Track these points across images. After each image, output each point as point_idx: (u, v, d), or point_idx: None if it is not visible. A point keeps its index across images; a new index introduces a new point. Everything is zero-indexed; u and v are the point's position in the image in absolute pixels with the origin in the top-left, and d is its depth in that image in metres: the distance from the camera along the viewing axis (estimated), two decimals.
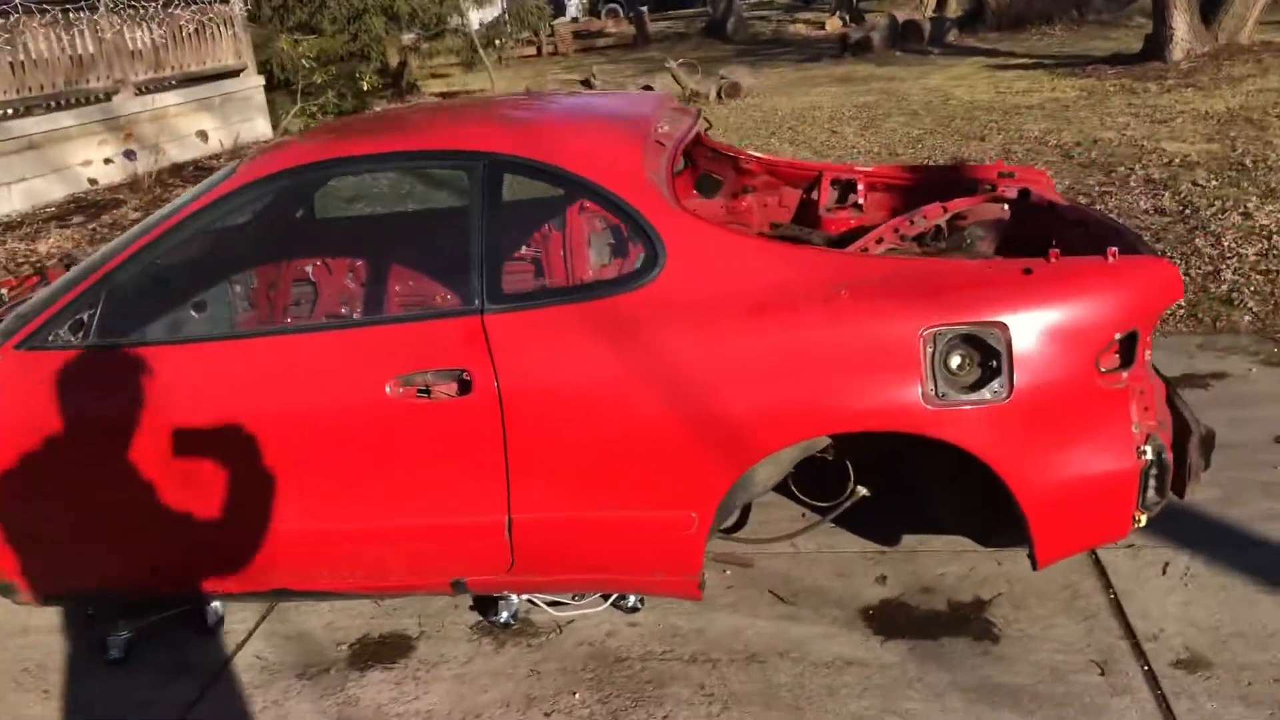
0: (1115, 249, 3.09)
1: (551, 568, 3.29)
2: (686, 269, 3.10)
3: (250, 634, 3.62)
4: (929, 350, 2.98)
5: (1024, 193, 4.30)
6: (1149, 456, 3.07)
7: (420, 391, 3.08)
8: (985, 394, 2.99)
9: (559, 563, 3.27)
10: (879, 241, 3.79)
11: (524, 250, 3.40)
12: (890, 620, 3.42)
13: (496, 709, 3.18)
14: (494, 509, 3.17)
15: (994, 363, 2.99)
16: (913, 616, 3.44)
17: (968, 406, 2.99)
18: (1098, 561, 3.62)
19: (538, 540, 3.20)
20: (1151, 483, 3.10)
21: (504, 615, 3.53)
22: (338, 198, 3.60)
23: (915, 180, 4.49)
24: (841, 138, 10.68)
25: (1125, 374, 3.04)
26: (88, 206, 10.62)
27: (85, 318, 3.29)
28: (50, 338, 3.27)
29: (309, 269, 3.71)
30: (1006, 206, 4.15)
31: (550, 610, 3.55)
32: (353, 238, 3.76)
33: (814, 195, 4.56)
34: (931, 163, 8.18)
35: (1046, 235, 3.95)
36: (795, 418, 3.05)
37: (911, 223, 3.92)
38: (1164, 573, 3.54)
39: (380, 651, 3.48)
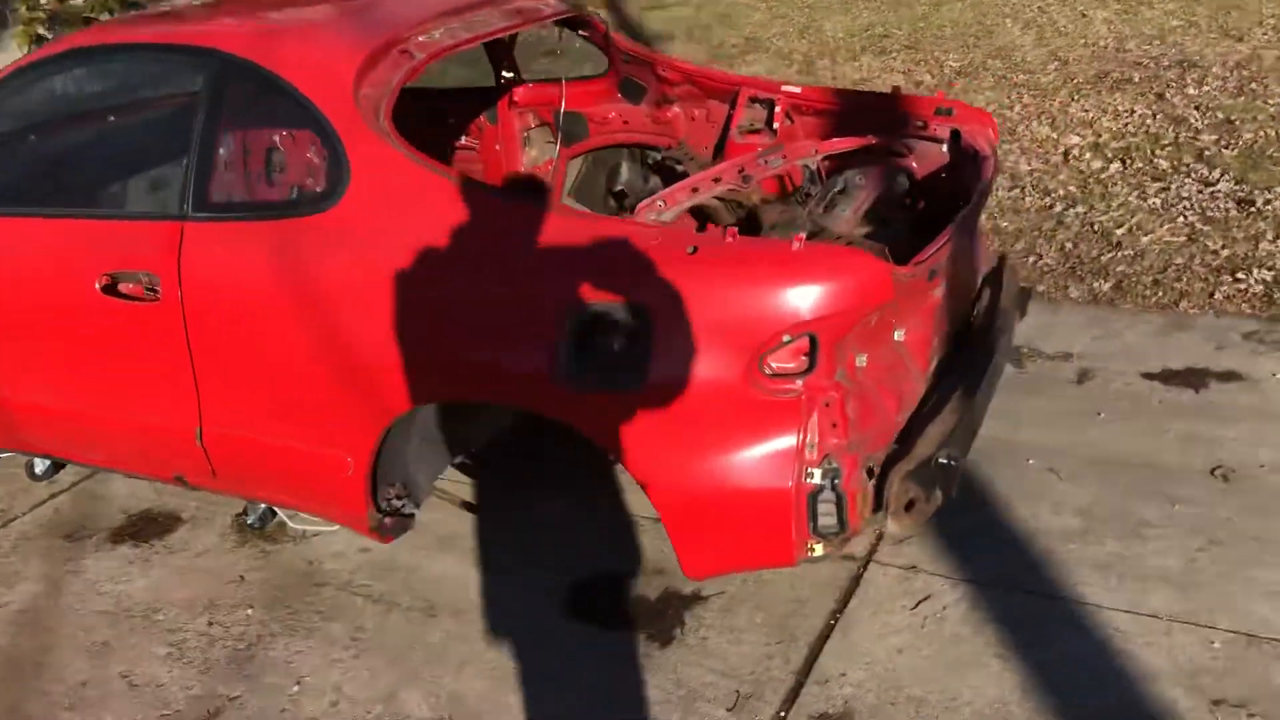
0: (802, 235, 2.59)
1: (244, 483, 3.30)
2: (367, 200, 2.91)
3: (68, 489, 3.91)
4: (565, 325, 2.66)
5: (954, 135, 3.69)
6: (816, 481, 2.61)
7: (119, 291, 3.12)
8: (617, 380, 2.64)
9: (249, 479, 3.28)
10: (716, 181, 3.39)
11: (239, 159, 3.29)
12: (592, 599, 3.19)
13: (178, 608, 3.28)
14: (186, 417, 3.20)
15: (632, 347, 2.63)
16: (619, 598, 3.18)
17: (597, 392, 2.66)
18: (858, 578, 3.18)
19: (227, 453, 3.21)
20: (824, 510, 2.64)
21: (251, 517, 3.60)
22: (100, 90, 3.61)
23: (843, 106, 3.93)
24: (1089, 23, 8.98)
25: (801, 382, 2.58)
26: None
27: None
28: None
29: (57, 152, 3.78)
30: (914, 155, 3.58)
31: (293, 523, 3.57)
32: (97, 127, 3.79)
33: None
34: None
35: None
36: (429, 378, 2.85)
37: (765, 162, 3.47)
38: (914, 607, 3.05)
39: (145, 528, 3.67)
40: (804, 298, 2.54)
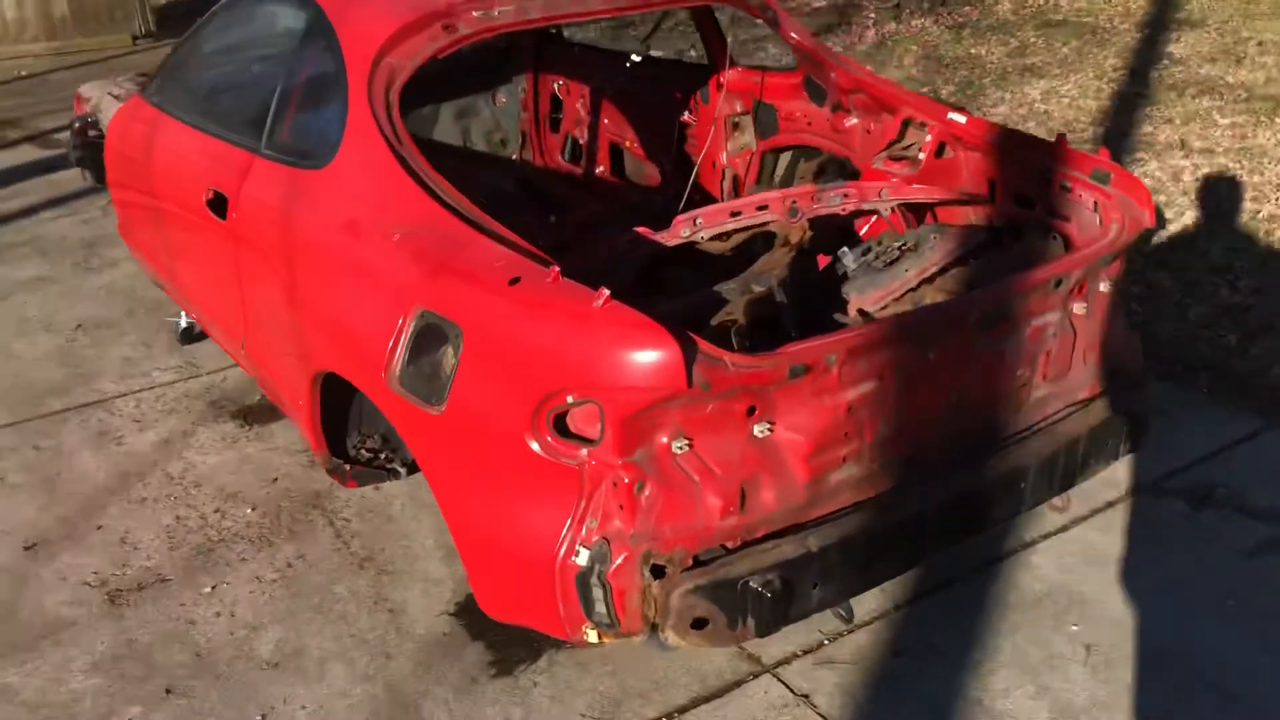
0: (608, 292, 2.28)
1: (271, 395, 3.65)
2: (345, 167, 3.03)
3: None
4: (409, 327, 2.61)
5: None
6: (583, 563, 2.35)
7: (213, 205, 3.52)
8: (426, 394, 2.55)
9: (271, 394, 3.63)
10: (760, 209, 3.11)
11: (299, 103, 3.45)
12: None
13: (212, 488, 3.72)
14: (237, 329, 3.58)
15: (442, 366, 2.52)
16: None
17: (411, 400, 2.59)
18: (739, 683, 2.79)
19: (257, 367, 3.56)
20: (596, 596, 2.37)
21: None
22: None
23: (1002, 146, 3.31)
24: None
25: (586, 452, 2.32)
26: None
27: (157, 83, 4.29)
28: (147, 92, 4.33)
29: (217, 78, 4.17)
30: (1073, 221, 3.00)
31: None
32: (240, 61, 4.11)
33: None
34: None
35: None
36: (323, 346, 2.96)
37: (820, 198, 3.10)
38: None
39: (260, 415, 4.16)
40: (586, 360, 2.27)
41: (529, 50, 5.28)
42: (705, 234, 3.14)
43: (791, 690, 2.77)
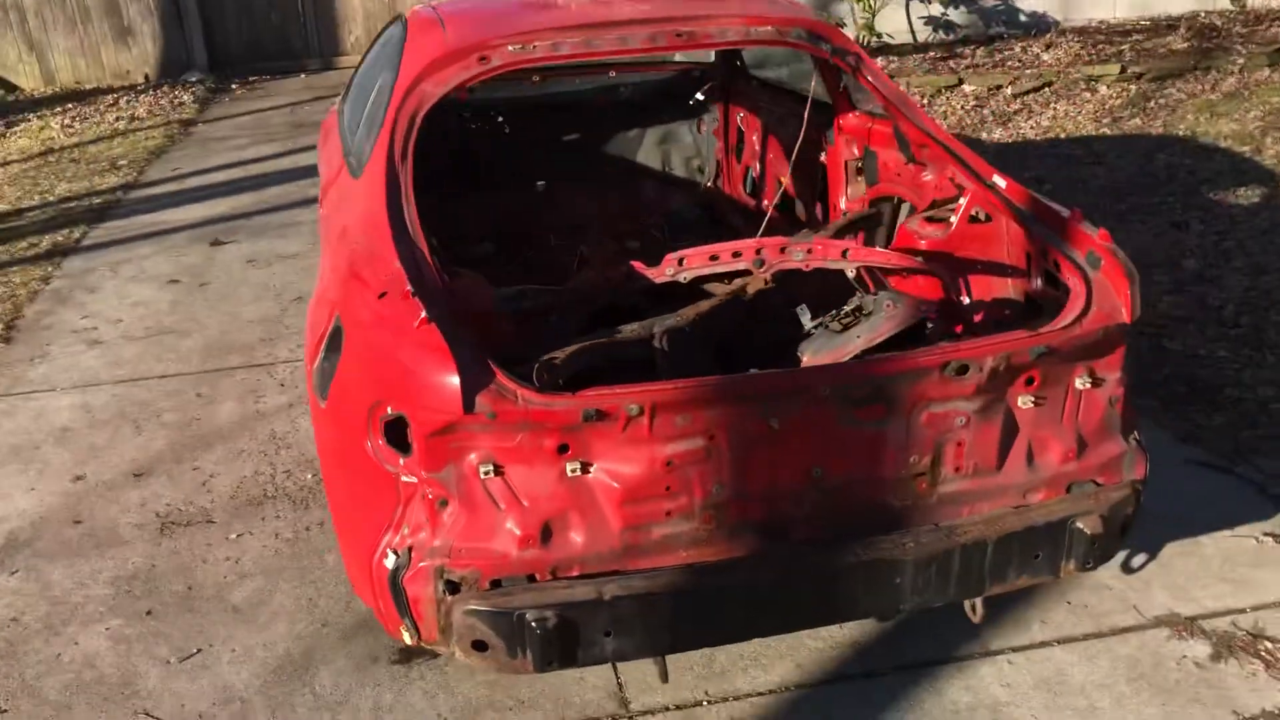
0: (424, 314, 2.41)
1: None
2: (365, 181, 3.33)
3: None
4: (329, 328, 2.88)
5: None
6: (389, 565, 2.52)
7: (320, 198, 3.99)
8: (320, 388, 2.81)
9: None
10: (735, 255, 3.14)
11: (367, 119, 3.76)
12: None
13: None
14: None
15: (335, 365, 2.76)
16: None
17: (315, 393, 2.86)
18: None
19: None
20: (402, 600, 2.53)
21: None
22: None
23: (1021, 213, 3.06)
24: None
25: (402, 460, 2.49)
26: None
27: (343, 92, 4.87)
28: (339, 100, 4.93)
29: (359, 88, 4.50)
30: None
31: None
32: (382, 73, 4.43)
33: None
34: None
35: None
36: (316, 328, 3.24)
37: (784, 251, 3.06)
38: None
39: None
40: (397, 375, 2.43)
41: (720, 83, 5.38)
42: (686, 275, 3.15)
43: None
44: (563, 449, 2.41)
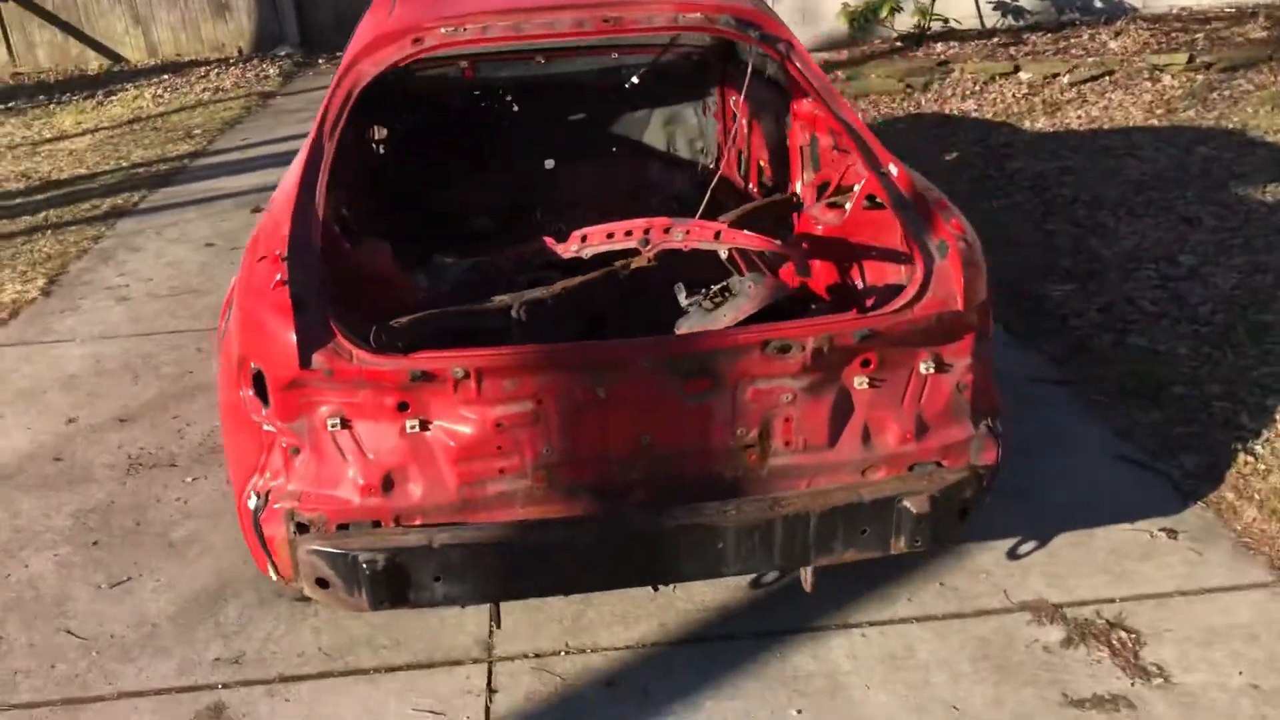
0: (281, 278, 2.63)
1: None
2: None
3: None
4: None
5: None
6: (251, 506, 2.76)
7: None
8: (218, 343, 3.06)
9: None
10: (628, 234, 3.31)
11: None
12: None
13: None
14: None
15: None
16: None
17: (218, 346, 3.11)
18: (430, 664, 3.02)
19: None
20: (264, 539, 2.77)
21: None
22: None
23: (909, 205, 3.14)
24: None
25: (264, 411, 2.72)
26: None
27: None
28: None
29: None
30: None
31: None
32: None
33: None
34: None
35: None
36: None
37: (668, 232, 3.21)
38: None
39: None
40: (254, 331, 2.66)
41: (716, 66, 5.49)
42: (588, 251, 3.32)
43: (488, 683, 2.93)
44: (403, 407, 2.61)
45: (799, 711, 2.80)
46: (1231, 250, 5.35)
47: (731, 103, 5.41)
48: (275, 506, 2.69)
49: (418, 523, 2.69)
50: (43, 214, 7.36)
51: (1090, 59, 9.29)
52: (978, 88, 8.90)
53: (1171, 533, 3.40)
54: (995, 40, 10.03)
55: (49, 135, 9.97)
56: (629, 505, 2.72)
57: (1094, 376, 4.33)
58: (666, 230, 3.16)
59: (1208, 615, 3.06)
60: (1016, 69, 9.14)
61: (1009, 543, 3.40)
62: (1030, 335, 4.72)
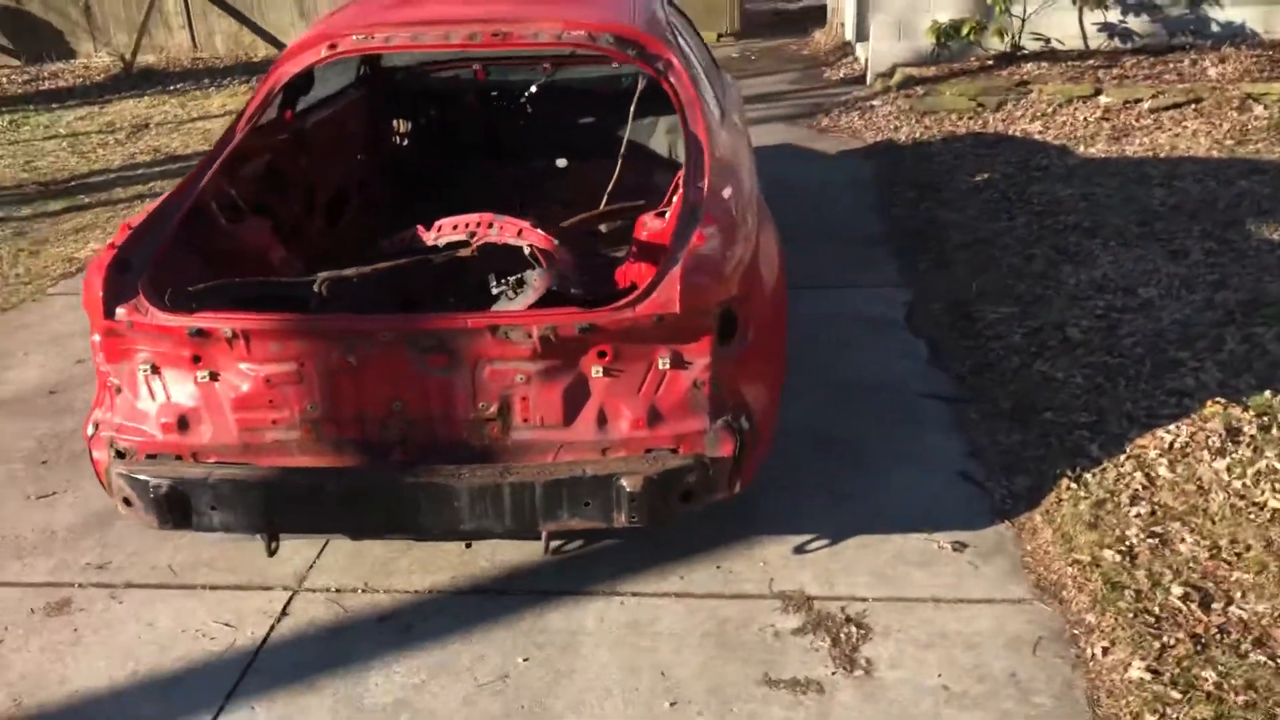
0: (112, 242, 3.15)
1: None
2: None
3: None
4: None
5: None
6: (89, 433, 3.28)
7: None
8: None
9: None
10: (459, 227, 3.74)
11: None
12: None
13: None
14: None
15: None
16: None
17: None
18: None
19: None
20: (93, 461, 3.29)
21: None
22: None
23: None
24: None
25: (100, 355, 3.25)
26: None
27: None
28: None
29: None
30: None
31: None
32: None
33: None
34: None
35: None
36: None
37: (490, 227, 3.63)
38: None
39: None
40: (85, 286, 3.18)
41: None
42: (441, 240, 3.74)
43: (283, 608, 3.38)
44: (196, 359, 3.09)
45: (524, 660, 3.14)
46: (1198, 285, 5.27)
47: None
48: (101, 435, 3.21)
49: (211, 460, 3.16)
50: (150, 184, 8.28)
51: (1181, 85, 9.00)
52: (1050, 110, 8.78)
53: (960, 545, 3.54)
54: (1090, 62, 9.81)
55: (195, 114, 11.06)
56: (385, 462, 3.11)
57: (983, 397, 4.44)
58: (490, 226, 3.54)
59: (946, 622, 3.21)
60: (1097, 92, 8.96)
61: (806, 538, 3.61)
62: (948, 353, 4.84)
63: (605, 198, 4.30)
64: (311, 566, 3.56)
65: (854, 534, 3.63)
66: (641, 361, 3.06)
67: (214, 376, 3.10)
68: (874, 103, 9.59)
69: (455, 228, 3.68)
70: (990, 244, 6.00)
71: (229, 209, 3.81)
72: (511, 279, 3.38)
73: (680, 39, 4.30)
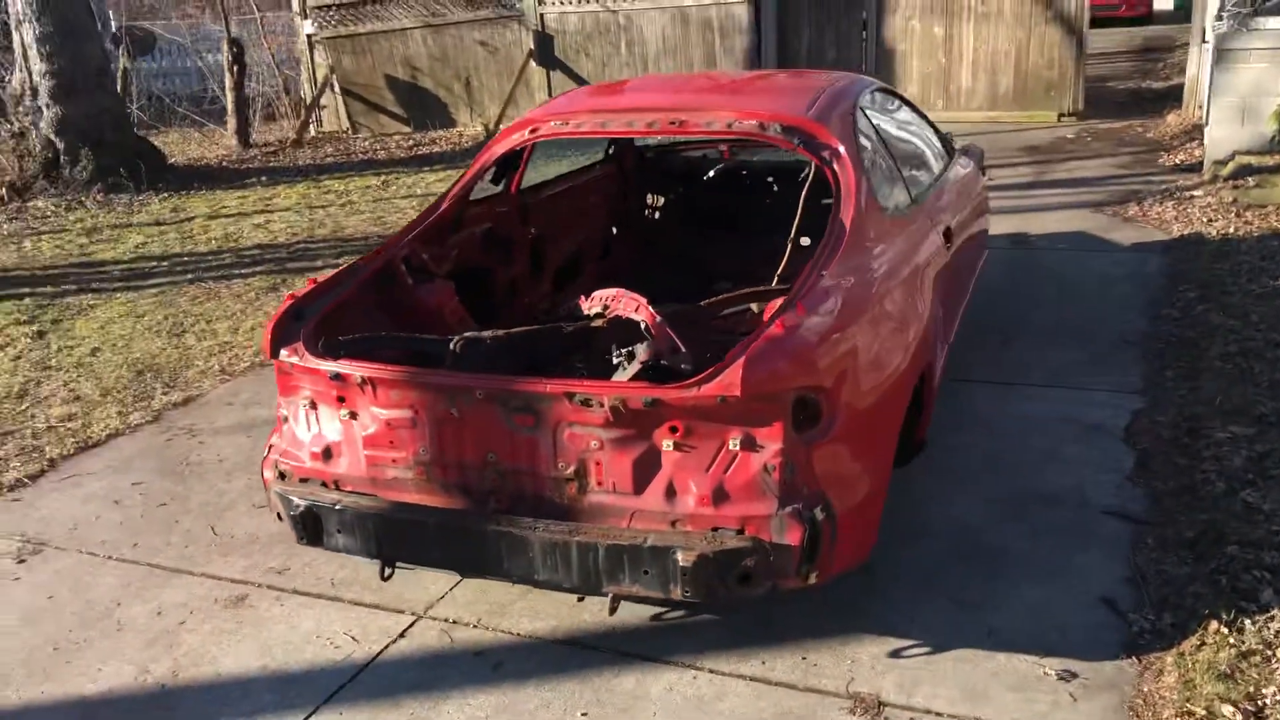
0: (292, 293, 3.68)
1: None
2: None
3: None
4: None
5: None
6: (265, 453, 3.84)
7: None
8: None
9: None
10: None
11: None
12: None
13: None
14: None
15: None
16: None
17: None
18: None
19: None
20: (270, 480, 3.85)
21: None
22: None
23: None
24: None
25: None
26: None
27: None
28: None
29: None
30: None
31: None
32: None
33: None
34: None
35: None
36: None
37: (620, 303, 3.92)
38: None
39: None
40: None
41: None
42: (593, 309, 4.04)
43: (403, 631, 3.74)
44: (340, 400, 3.53)
45: (583, 715, 3.28)
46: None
47: None
48: (271, 457, 3.73)
49: (348, 489, 3.58)
50: None
51: None
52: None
53: (1069, 675, 3.30)
54: None
55: None
56: (481, 508, 3.39)
57: (1170, 521, 4.07)
58: (620, 302, 3.76)
59: None
60: None
61: (907, 643, 3.51)
62: (1156, 469, 4.47)
63: (775, 278, 4.39)
64: (442, 598, 3.90)
65: (960, 645, 3.47)
66: (713, 440, 3.15)
67: (353, 416, 3.52)
68: (1195, 193, 8.87)
69: (600, 300, 3.93)
70: (1256, 356, 5.42)
71: (419, 271, 4.29)
72: (624, 351, 3.58)
73: (862, 128, 4.33)
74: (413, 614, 3.84)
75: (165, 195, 12.50)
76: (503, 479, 3.36)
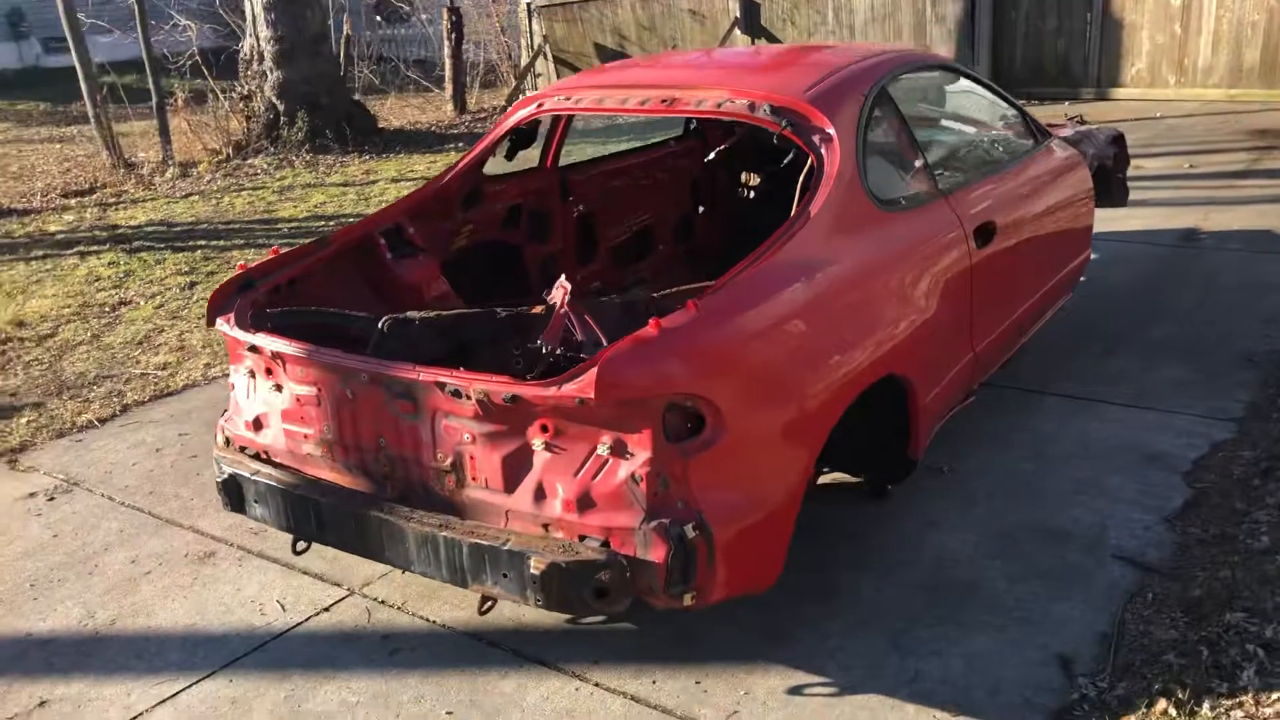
0: (242, 264, 3.73)
1: None
2: None
3: None
4: None
5: None
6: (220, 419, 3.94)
7: None
8: None
9: None
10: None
11: None
12: None
13: None
14: None
15: None
16: None
17: None
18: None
19: None
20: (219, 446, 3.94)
21: None
22: None
23: None
24: None
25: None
26: None
27: None
28: None
29: None
30: None
31: None
32: None
33: None
34: None
35: None
36: None
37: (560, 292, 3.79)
38: None
39: None
40: None
41: None
42: (554, 297, 3.91)
43: (329, 607, 3.75)
44: (268, 372, 3.56)
45: (448, 713, 3.18)
46: None
47: None
48: (220, 422, 3.82)
49: (277, 460, 3.61)
50: None
51: None
52: None
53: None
54: None
55: None
56: (377, 492, 3.33)
57: (1183, 574, 3.53)
58: (561, 291, 3.59)
59: None
60: None
61: (816, 680, 3.20)
62: (1205, 512, 3.89)
63: None
64: (382, 576, 3.88)
65: (871, 690, 3.13)
66: (584, 443, 2.96)
67: (278, 389, 3.54)
68: None
69: (560, 287, 3.76)
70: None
71: (406, 245, 4.25)
72: (529, 344, 3.43)
73: (876, 112, 3.95)
74: (348, 589, 3.84)
75: (367, 157, 13.14)
76: (392, 465, 3.29)
